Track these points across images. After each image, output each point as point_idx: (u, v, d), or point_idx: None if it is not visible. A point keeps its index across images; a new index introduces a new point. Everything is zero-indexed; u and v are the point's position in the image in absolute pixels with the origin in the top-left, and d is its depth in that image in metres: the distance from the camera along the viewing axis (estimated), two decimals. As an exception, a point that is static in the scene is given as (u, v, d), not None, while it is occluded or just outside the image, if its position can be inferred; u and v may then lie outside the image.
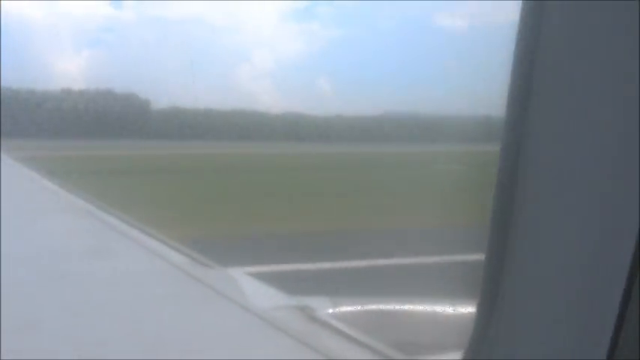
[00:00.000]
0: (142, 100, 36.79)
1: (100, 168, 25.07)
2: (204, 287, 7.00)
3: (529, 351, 1.08)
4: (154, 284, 7.13)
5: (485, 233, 1.12)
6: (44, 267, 7.63)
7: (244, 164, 29.73)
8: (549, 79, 1.02)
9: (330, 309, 6.08)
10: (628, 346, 0.96)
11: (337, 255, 10.53)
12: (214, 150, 34.00)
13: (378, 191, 20.23)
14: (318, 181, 23.72)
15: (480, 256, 1.16)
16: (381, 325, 5.91)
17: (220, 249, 9.76)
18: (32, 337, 5.18)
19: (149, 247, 9.17)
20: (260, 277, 7.61)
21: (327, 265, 9.69)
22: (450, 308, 6.11)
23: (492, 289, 1.12)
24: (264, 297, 6.56)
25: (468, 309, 4.56)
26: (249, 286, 7.01)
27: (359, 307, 6.29)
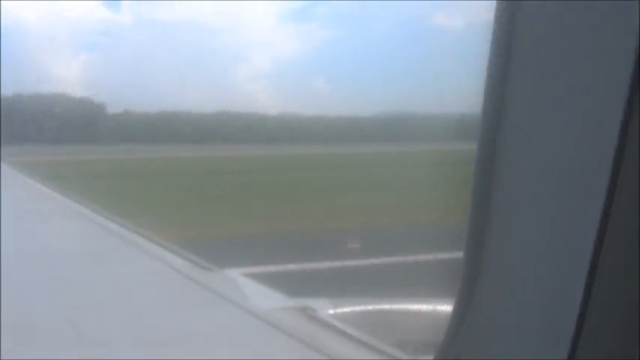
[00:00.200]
0: (96, 104, 35.98)
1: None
2: (203, 289, 7.02)
3: (497, 351, 1.08)
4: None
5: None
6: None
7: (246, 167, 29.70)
8: (523, 78, 1.03)
9: (331, 309, 6.10)
10: (588, 345, 0.96)
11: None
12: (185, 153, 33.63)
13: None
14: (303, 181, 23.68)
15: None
16: (381, 324, 5.93)
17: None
18: (42, 334, 5.21)
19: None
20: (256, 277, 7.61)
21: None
22: (450, 307, 6.11)
23: (468, 289, 1.13)
24: (265, 298, 6.58)
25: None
26: (249, 288, 7.03)
27: (359, 308, 6.31)
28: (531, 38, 1.02)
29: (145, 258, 8.89)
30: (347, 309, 6.20)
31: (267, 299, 6.54)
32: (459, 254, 1.17)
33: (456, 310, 1.16)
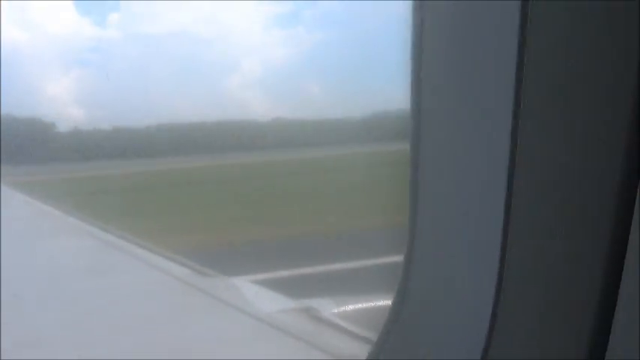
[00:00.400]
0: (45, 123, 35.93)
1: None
2: (206, 296, 7.00)
3: (424, 352, 1.07)
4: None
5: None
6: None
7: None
8: (441, 76, 1.02)
9: (335, 309, 6.08)
10: (500, 345, 0.95)
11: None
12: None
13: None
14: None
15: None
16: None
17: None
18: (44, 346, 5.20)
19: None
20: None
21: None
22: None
23: (402, 290, 1.12)
24: (268, 301, 6.56)
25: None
26: (252, 292, 7.01)
27: (363, 306, 6.29)
28: (442, 37, 1.02)
29: (144, 267, 8.88)
30: (350, 307, 6.19)
31: (270, 301, 6.52)
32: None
33: (391, 310, 1.16)
